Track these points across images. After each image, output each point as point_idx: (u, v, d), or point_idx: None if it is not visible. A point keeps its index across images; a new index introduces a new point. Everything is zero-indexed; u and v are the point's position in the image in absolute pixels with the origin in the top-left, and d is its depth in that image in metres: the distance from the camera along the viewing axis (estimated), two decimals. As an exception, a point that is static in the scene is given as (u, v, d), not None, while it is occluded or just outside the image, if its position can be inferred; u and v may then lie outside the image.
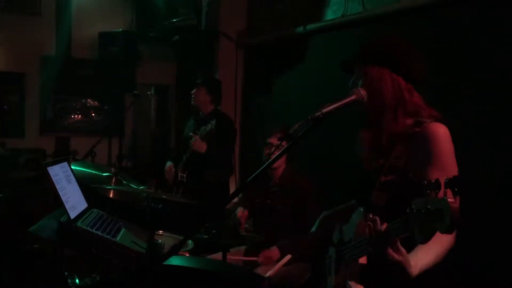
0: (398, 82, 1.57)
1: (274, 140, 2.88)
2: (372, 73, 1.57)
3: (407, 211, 1.21)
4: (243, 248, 3.00)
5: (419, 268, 1.33)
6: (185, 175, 3.76)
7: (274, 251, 2.70)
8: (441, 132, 1.49)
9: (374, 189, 1.53)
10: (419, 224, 1.17)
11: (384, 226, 1.31)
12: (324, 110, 1.44)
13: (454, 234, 1.42)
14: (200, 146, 3.65)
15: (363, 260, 1.43)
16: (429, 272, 1.42)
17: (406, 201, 1.44)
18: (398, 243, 1.28)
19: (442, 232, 1.11)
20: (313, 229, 1.87)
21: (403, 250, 1.30)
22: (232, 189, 4.37)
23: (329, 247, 1.65)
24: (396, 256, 1.28)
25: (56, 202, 2.27)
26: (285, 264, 2.67)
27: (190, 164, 3.76)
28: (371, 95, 1.54)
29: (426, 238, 1.17)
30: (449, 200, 1.10)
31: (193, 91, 4.01)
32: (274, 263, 2.64)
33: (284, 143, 1.57)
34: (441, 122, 1.52)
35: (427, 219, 1.14)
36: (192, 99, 4.02)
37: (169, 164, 3.93)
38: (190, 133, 3.75)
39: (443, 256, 1.42)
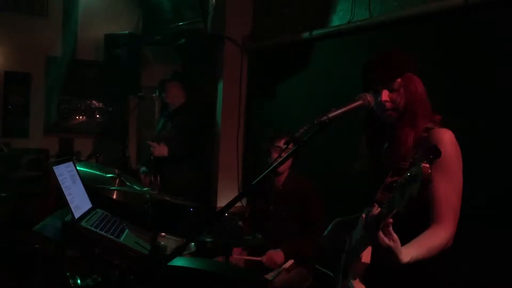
0: (423, 86, 1.64)
1: (281, 144, 2.89)
2: (409, 80, 1.61)
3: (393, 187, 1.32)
4: (245, 251, 3.00)
5: (410, 256, 1.39)
6: (158, 179, 3.75)
7: (279, 253, 2.70)
8: (446, 137, 1.54)
9: (380, 189, 1.59)
10: (400, 193, 1.26)
11: (377, 210, 1.39)
12: (330, 115, 1.46)
13: (449, 233, 1.50)
14: (160, 151, 3.64)
15: (366, 259, 1.46)
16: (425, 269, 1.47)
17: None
18: (390, 228, 1.34)
19: (414, 195, 1.19)
20: (325, 233, 1.87)
21: (395, 236, 1.35)
22: (233, 192, 4.38)
23: (342, 254, 1.67)
24: (387, 240, 1.35)
25: (59, 202, 2.27)
26: (287, 269, 2.67)
27: (159, 168, 3.76)
28: (410, 102, 1.59)
29: (403, 204, 1.25)
30: (424, 165, 1.18)
31: (166, 87, 3.98)
32: (277, 265, 2.64)
33: (290, 146, 1.57)
34: (447, 128, 1.58)
35: (405, 185, 1.24)
36: (164, 97, 3.99)
37: (142, 172, 3.92)
38: (147, 141, 3.74)
39: (436, 251, 1.47)
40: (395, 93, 1.61)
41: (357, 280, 1.45)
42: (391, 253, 1.35)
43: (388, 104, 1.61)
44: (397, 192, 1.29)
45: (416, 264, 1.42)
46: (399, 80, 1.60)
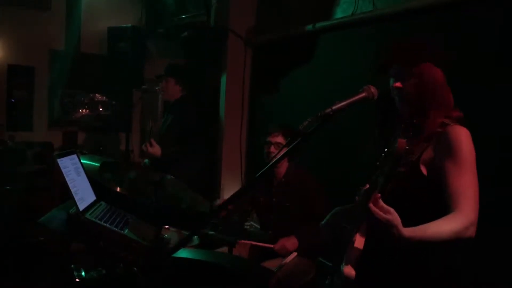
0: (444, 78, 1.62)
1: (274, 139, 2.89)
2: (426, 71, 1.59)
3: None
4: (248, 244, 3.00)
5: (414, 232, 1.37)
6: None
7: (292, 240, 2.70)
8: (462, 134, 1.54)
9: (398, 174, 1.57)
10: (381, 169, 1.29)
11: (367, 186, 1.43)
12: (334, 107, 1.46)
13: (467, 220, 1.43)
14: (153, 151, 3.62)
15: (359, 244, 1.45)
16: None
17: (409, 194, 1.54)
18: (381, 201, 1.35)
19: (388, 170, 1.21)
20: (322, 222, 1.88)
21: (388, 208, 1.35)
22: (236, 186, 4.39)
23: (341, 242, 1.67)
24: (382, 214, 1.34)
25: (63, 195, 2.28)
26: (290, 262, 2.68)
27: (159, 166, 3.74)
28: (422, 92, 1.58)
29: (382, 179, 1.28)
30: (400, 140, 1.20)
31: (161, 84, 3.95)
32: (288, 253, 2.64)
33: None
34: (463, 125, 1.57)
35: (385, 161, 1.26)
36: (162, 94, 3.95)
37: (144, 165, 3.90)
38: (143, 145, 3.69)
39: (449, 235, 1.41)
40: (406, 82, 1.59)
41: (349, 265, 1.43)
42: (389, 227, 1.34)
43: (396, 92, 1.61)
44: (380, 168, 1.32)
45: (419, 257, 1.42)
46: (413, 69, 1.59)
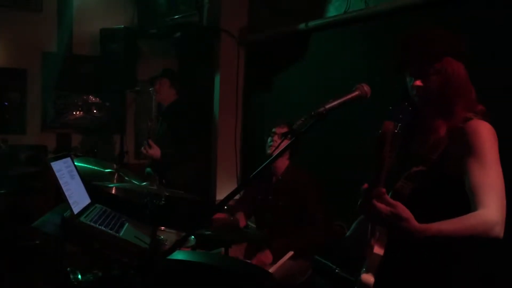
0: (467, 72, 1.53)
1: (279, 130, 2.92)
2: (449, 66, 1.50)
3: None
4: (244, 244, 3.01)
5: (427, 225, 1.25)
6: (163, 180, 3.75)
7: (267, 254, 2.70)
8: (484, 128, 1.46)
9: (401, 177, 1.51)
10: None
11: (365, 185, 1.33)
12: (328, 106, 1.43)
13: (494, 216, 1.31)
14: (153, 153, 3.62)
15: (378, 250, 1.36)
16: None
17: (430, 193, 1.46)
18: (386, 196, 1.25)
19: (374, 154, 1.13)
20: (348, 233, 1.83)
21: (396, 202, 1.24)
22: (232, 185, 4.38)
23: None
24: (388, 208, 1.23)
25: (57, 198, 2.27)
26: (288, 260, 2.68)
27: (158, 168, 3.74)
28: (446, 90, 1.49)
29: (376, 168, 1.19)
30: (386, 122, 1.12)
31: (155, 86, 3.93)
32: (268, 266, 2.64)
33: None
34: (488, 119, 1.49)
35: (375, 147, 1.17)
36: (155, 95, 3.93)
37: (147, 173, 3.89)
38: (143, 144, 3.70)
39: (474, 231, 1.29)
40: (427, 79, 1.51)
41: (369, 273, 1.32)
42: (398, 221, 1.22)
43: (417, 91, 1.52)
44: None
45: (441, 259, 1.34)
46: (435, 65, 1.50)
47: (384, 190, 1.25)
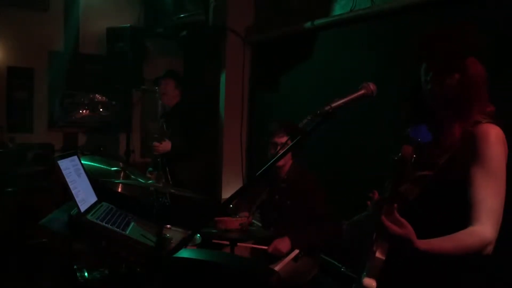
0: (486, 75, 1.49)
1: (278, 139, 2.89)
2: (471, 65, 1.47)
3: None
4: (250, 242, 3.01)
5: (430, 244, 1.29)
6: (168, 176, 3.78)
7: (285, 241, 2.70)
8: (492, 133, 1.43)
9: (406, 182, 1.47)
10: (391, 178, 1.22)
11: (376, 194, 1.34)
12: (333, 105, 1.42)
13: (486, 235, 1.34)
14: (164, 148, 3.64)
15: (380, 255, 1.36)
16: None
17: (437, 198, 1.45)
18: (396, 213, 1.27)
19: (392, 180, 1.14)
20: (349, 221, 1.82)
21: (404, 222, 1.27)
22: (237, 184, 4.39)
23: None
24: (396, 228, 1.26)
25: (64, 197, 2.29)
26: (292, 260, 2.68)
27: (167, 164, 3.76)
28: (464, 90, 1.46)
29: (388, 190, 1.20)
30: (405, 146, 1.14)
31: (160, 86, 3.94)
32: (283, 254, 2.64)
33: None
34: (496, 120, 1.46)
35: (392, 170, 1.19)
36: (160, 96, 3.94)
37: (149, 171, 3.91)
38: (151, 144, 3.73)
39: (466, 249, 1.34)
40: (449, 76, 1.47)
41: (371, 277, 1.33)
42: (403, 241, 1.27)
43: (434, 89, 1.49)
44: (389, 180, 1.25)
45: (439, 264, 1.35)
46: (459, 63, 1.46)
47: (396, 205, 1.26)
